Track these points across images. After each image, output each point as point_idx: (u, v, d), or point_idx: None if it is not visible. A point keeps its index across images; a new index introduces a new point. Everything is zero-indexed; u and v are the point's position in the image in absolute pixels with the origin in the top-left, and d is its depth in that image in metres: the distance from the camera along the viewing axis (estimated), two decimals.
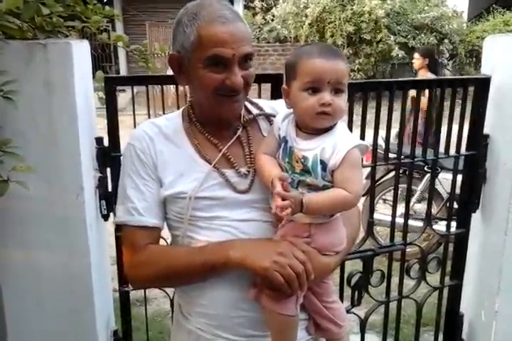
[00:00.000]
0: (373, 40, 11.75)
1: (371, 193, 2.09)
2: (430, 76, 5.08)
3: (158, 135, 1.21)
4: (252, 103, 1.31)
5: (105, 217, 1.75)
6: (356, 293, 1.93)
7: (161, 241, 1.27)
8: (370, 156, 1.96)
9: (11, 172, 1.27)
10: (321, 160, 1.09)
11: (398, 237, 2.10)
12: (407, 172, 2.48)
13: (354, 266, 1.98)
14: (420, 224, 2.33)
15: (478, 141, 2.02)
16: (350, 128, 1.66)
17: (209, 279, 1.15)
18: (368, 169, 1.99)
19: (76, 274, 1.62)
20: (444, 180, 3.33)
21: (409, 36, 11.88)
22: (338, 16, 11.72)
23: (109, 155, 1.70)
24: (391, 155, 1.96)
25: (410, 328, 2.67)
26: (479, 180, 2.06)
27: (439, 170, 3.24)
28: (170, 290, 1.80)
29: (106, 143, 1.71)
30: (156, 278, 1.19)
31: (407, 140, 3.11)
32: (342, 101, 1.10)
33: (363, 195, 1.72)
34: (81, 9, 1.68)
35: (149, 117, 1.70)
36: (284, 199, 1.04)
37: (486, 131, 2.01)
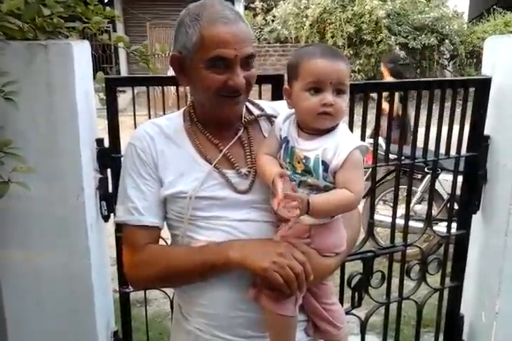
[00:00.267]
0: (374, 40, 11.73)
1: (371, 194, 2.09)
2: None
3: (159, 135, 1.21)
4: (253, 104, 1.31)
5: (105, 218, 1.76)
6: (356, 294, 1.93)
7: (161, 241, 1.27)
8: (370, 157, 1.96)
9: (11, 173, 1.27)
10: (322, 161, 1.08)
11: (398, 238, 2.10)
12: (407, 174, 2.47)
13: (354, 267, 1.98)
14: (421, 225, 2.32)
15: (479, 142, 2.02)
16: (350, 128, 1.66)
17: (209, 279, 1.15)
18: (369, 170, 1.99)
19: (76, 274, 1.62)
20: (445, 181, 3.33)
21: (409, 37, 11.86)
22: (339, 17, 11.71)
23: (109, 156, 1.70)
24: (391, 156, 1.96)
25: (410, 329, 2.66)
26: (480, 181, 2.06)
27: (440, 171, 3.24)
28: (170, 291, 1.80)
29: (106, 144, 1.71)
30: (155, 277, 1.19)
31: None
32: (344, 101, 1.10)
33: (363, 197, 1.72)
34: (82, 10, 1.68)
35: (150, 118, 1.70)
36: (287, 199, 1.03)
37: (486, 132, 2.01)
